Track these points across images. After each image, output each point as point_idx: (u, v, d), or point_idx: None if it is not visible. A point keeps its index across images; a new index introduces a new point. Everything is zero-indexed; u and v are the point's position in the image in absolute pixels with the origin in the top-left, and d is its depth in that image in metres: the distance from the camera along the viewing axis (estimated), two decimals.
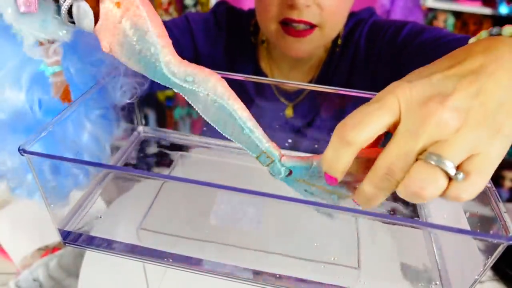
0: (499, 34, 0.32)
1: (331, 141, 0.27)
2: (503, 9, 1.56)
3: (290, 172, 0.34)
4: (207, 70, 0.32)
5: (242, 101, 0.33)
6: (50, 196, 0.38)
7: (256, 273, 0.38)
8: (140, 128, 0.56)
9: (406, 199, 0.26)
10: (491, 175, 0.26)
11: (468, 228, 0.36)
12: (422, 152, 0.25)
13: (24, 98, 0.37)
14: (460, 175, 0.25)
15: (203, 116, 0.33)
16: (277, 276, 0.37)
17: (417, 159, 0.25)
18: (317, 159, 0.32)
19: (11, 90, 0.37)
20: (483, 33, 0.34)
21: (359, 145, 0.27)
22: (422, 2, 1.59)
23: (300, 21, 0.58)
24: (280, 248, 0.40)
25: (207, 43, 0.74)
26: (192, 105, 0.33)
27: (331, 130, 0.29)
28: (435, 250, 0.40)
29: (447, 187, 0.25)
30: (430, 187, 0.25)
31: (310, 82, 0.72)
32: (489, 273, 0.64)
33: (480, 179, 0.25)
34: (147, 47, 0.31)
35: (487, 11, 1.58)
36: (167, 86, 0.32)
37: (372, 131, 0.26)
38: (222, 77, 0.41)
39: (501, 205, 0.31)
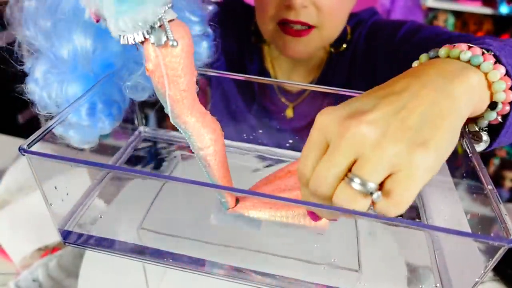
0: (437, 56, 0.34)
1: (300, 187, 0.31)
2: (503, 9, 1.56)
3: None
4: (205, 132, 0.35)
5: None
6: (82, 137, 0.41)
7: (256, 274, 0.38)
8: (141, 128, 0.56)
9: None
10: (419, 189, 0.26)
11: (469, 229, 0.36)
12: (349, 167, 0.27)
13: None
14: (376, 196, 0.26)
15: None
16: (277, 277, 0.37)
17: (343, 178, 0.27)
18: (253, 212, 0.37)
19: None
20: (423, 57, 0.36)
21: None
22: (422, 2, 1.59)
23: (297, 22, 0.58)
24: (280, 249, 0.40)
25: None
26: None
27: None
28: (435, 252, 0.40)
29: (374, 205, 0.27)
30: (351, 205, 0.27)
31: (311, 83, 0.72)
32: (489, 273, 0.64)
33: (403, 197, 0.26)
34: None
35: (487, 11, 1.58)
36: None
37: (311, 167, 0.29)
38: (222, 77, 0.42)
39: (501, 206, 0.30)
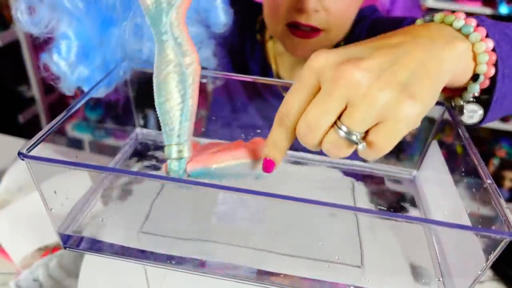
0: (432, 21, 0.36)
1: (274, 124, 0.31)
2: (503, 9, 1.56)
3: (188, 175, 0.36)
4: (195, 50, 0.34)
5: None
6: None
7: (259, 273, 0.38)
8: (140, 129, 0.56)
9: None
10: (399, 141, 0.28)
11: (469, 224, 0.36)
12: (339, 114, 0.28)
13: None
14: (361, 146, 0.28)
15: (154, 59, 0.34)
16: (281, 276, 0.37)
17: (333, 126, 0.28)
18: (216, 162, 0.35)
19: None
20: (419, 21, 0.38)
21: (293, 127, 0.30)
22: (422, 2, 1.60)
23: (307, 25, 0.59)
24: (283, 247, 0.40)
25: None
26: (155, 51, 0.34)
27: None
28: (436, 247, 0.40)
29: (356, 150, 0.29)
30: (338, 153, 0.29)
31: None
32: (489, 273, 0.64)
33: (384, 147, 0.28)
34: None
35: (487, 11, 1.58)
36: (150, 27, 0.34)
37: (299, 110, 0.29)
38: (223, 77, 0.42)
39: (502, 200, 0.31)
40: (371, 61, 0.27)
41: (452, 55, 0.30)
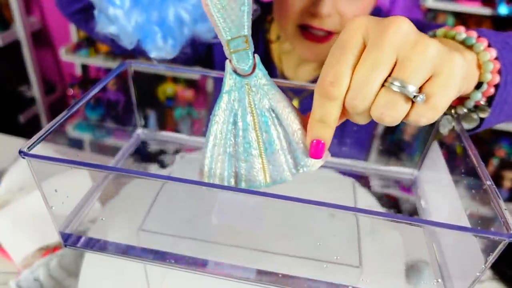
0: (434, 36, 0.36)
1: (315, 102, 0.29)
2: (503, 10, 1.56)
3: (253, 69, 0.34)
4: None
5: None
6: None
7: (258, 272, 0.38)
8: (140, 129, 0.56)
9: (375, 120, 0.28)
10: (455, 96, 0.27)
11: (468, 226, 0.36)
12: (391, 69, 0.26)
13: None
14: (420, 98, 0.26)
15: None
16: (279, 275, 0.37)
17: (382, 85, 0.27)
18: (277, 90, 0.34)
19: None
20: None
21: (343, 95, 0.28)
22: (422, 3, 1.60)
23: (320, 29, 0.59)
24: (282, 247, 0.40)
25: None
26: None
27: (335, 131, 0.29)
28: (435, 248, 0.41)
29: (409, 112, 0.27)
30: (391, 113, 0.27)
31: (317, 78, 0.73)
32: (488, 272, 0.64)
33: (442, 101, 0.26)
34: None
35: (486, 11, 1.58)
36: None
37: (348, 74, 0.27)
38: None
39: (501, 202, 0.31)
40: (406, 20, 0.27)
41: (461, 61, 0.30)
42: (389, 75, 0.26)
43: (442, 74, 0.26)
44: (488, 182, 0.33)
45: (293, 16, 0.60)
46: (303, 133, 0.34)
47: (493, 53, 0.34)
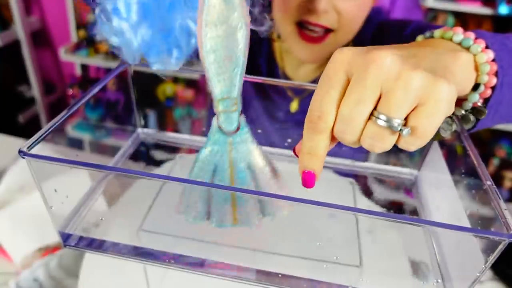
0: (432, 37, 0.37)
1: (304, 135, 0.30)
2: (503, 9, 1.56)
3: (238, 129, 0.36)
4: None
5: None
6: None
7: (258, 273, 0.38)
8: (140, 129, 0.56)
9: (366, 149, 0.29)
10: (440, 123, 0.27)
11: (468, 226, 0.36)
12: (375, 103, 0.27)
13: None
14: (405, 131, 0.27)
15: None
16: (279, 275, 0.37)
17: (370, 118, 0.27)
18: (256, 148, 0.37)
19: None
20: (419, 37, 0.39)
21: (330, 128, 0.29)
22: (422, 2, 1.60)
23: (316, 25, 0.59)
24: (282, 248, 0.40)
25: None
26: None
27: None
28: (435, 248, 0.41)
29: (397, 140, 0.28)
30: (380, 144, 0.28)
31: (317, 78, 0.73)
32: (489, 273, 0.64)
33: (428, 131, 0.27)
34: None
35: (487, 11, 1.58)
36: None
37: (333, 108, 0.28)
38: None
39: (501, 202, 0.31)
40: (395, 50, 0.27)
41: (458, 65, 0.30)
42: (376, 107, 0.27)
43: (427, 104, 0.26)
44: (488, 182, 0.33)
45: (290, 12, 0.60)
46: (272, 186, 0.38)
47: (490, 54, 0.34)
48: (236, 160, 0.37)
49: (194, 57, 0.44)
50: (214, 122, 0.36)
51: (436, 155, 0.46)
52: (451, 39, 0.35)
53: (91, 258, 0.56)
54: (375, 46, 0.28)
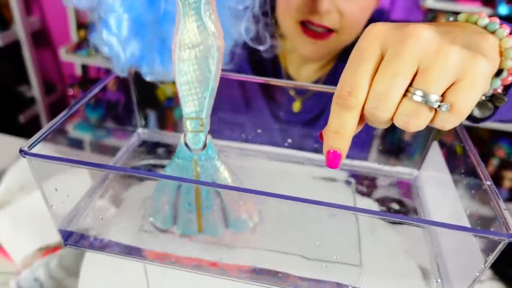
0: (456, 20, 0.36)
1: (332, 112, 0.28)
2: (503, 10, 1.56)
3: (204, 147, 0.37)
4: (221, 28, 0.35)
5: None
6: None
7: (258, 272, 0.38)
8: (140, 129, 0.56)
9: (399, 127, 0.28)
10: (477, 100, 0.26)
11: (468, 226, 0.36)
12: (411, 79, 0.26)
13: None
14: (444, 108, 0.26)
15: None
16: (279, 275, 0.37)
17: (405, 95, 0.26)
18: (222, 166, 0.38)
19: None
20: (443, 20, 0.37)
21: (361, 105, 0.27)
22: (422, 2, 1.60)
23: (319, 25, 0.59)
24: (282, 247, 0.40)
25: None
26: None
27: None
28: (435, 248, 0.41)
29: (433, 118, 0.27)
30: (416, 121, 0.27)
31: (320, 78, 0.73)
32: (488, 272, 0.64)
33: (466, 107, 0.26)
34: None
35: (486, 11, 1.58)
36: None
37: (366, 83, 0.27)
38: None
39: (501, 202, 0.31)
40: (432, 26, 0.26)
41: (488, 46, 0.30)
42: (410, 84, 0.26)
43: (465, 80, 0.26)
44: (488, 182, 0.33)
45: (293, 12, 0.60)
46: (237, 203, 0.39)
47: None
48: (200, 177, 0.38)
49: None
50: (182, 139, 0.38)
51: (436, 155, 0.46)
52: (475, 23, 0.34)
53: (91, 258, 0.56)
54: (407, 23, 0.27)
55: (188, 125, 0.36)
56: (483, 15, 0.34)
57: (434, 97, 0.26)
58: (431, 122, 0.27)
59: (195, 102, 0.35)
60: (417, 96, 0.26)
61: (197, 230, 0.41)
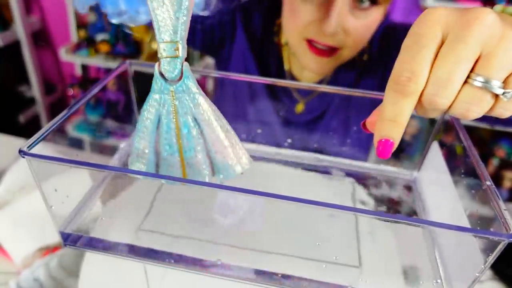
0: None
1: (387, 99, 0.28)
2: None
3: (180, 78, 0.34)
4: None
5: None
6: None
7: (257, 272, 0.38)
8: None
9: (454, 116, 0.27)
10: None
11: (468, 226, 0.36)
12: (473, 64, 0.25)
13: None
14: (509, 94, 0.25)
15: None
16: (278, 275, 0.37)
17: (465, 82, 0.26)
18: (202, 99, 0.34)
19: None
20: None
21: (420, 91, 0.27)
22: (422, 3, 1.60)
23: (324, 45, 0.59)
24: (281, 247, 0.40)
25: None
26: None
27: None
28: (435, 248, 0.41)
29: (493, 106, 0.26)
30: (476, 109, 0.26)
31: (323, 80, 0.73)
32: (488, 272, 0.64)
33: None
34: None
35: None
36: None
37: (426, 69, 0.26)
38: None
39: (501, 202, 0.31)
40: (492, 11, 0.26)
41: None
42: (471, 71, 0.26)
43: None
44: (488, 183, 0.33)
45: (299, 30, 0.60)
46: (222, 143, 0.35)
47: None
48: (179, 111, 0.35)
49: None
50: (156, 68, 0.34)
51: (436, 155, 0.46)
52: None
53: (91, 258, 0.56)
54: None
55: (162, 50, 0.33)
56: None
57: (497, 83, 0.25)
58: (490, 110, 0.27)
59: (168, 25, 0.33)
60: (479, 82, 0.25)
61: (181, 175, 0.37)
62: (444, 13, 0.26)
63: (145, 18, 0.40)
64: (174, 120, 0.35)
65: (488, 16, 0.25)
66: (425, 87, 0.27)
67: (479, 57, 0.26)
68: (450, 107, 0.27)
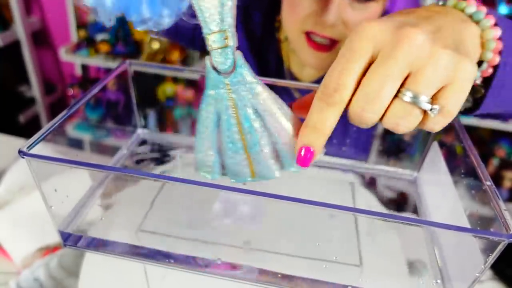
0: (444, 5, 0.35)
1: (313, 106, 0.28)
2: (503, 10, 1.56)
3: (233, 69, 0.32)
4: None
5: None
6: None
7: (258, 272, 0.38)
8: (140, 129, 0.56)
9: (386, 128, 0.28)
10: (463, 101, 0.27)
11: (468, 226, 0.36)
12: (403, 80, 0.26)
13: None
14: (435, 110, 0.27)
15: None
16: (279, 275, 0.37)
17: (396, 96, 0.27)
18: (260, 88, 0.32)
19: None
20: (432, 3, 0.37)
21: (345, 103, 0.28)
22: (422, 3, 1.60)
23: (323, 36, 0.59)
24: (282, 247, 0.40)
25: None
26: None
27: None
28: (435, 248, 0.41)
29: (422, 120, 0.27)
30: (406, 123, 0.27)
31: (322, 78, 0.73)
32: (488, 272, 0.64)
33: (454, 109, 0.27)
34: None
35: None
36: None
37: (352, 83, 0.27)
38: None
39: (501, 202, 0.31)
40: (424, 26, 0.27)
41: (469, 38, 0.30)
42: (401, 87, 0.27)
43: (455, 83, 0.26)
44: (488, 183, 0.33)
45: (299, 22, 0.60)
46: (289, 133, 0.32)
47: (497, 32, 0.33)
48: (238, 104, 0.33)
49: (186, 14, 0.40)
50: (208, 63, 0.32)
51: (436, 156, 0.46)
52: (463, 10, 0.34)
53: (91, 258, 0.56)
54: (399, 19, 0.28)
55: (212, 42, 0.31)
56: (471, 2, 0.34)
57: (425, 98, 0.26)
58: (420, 124, 0.28)
59: (213, 14, 0.31)
60: (408, 97, 0.26)
61: (249, 174, 0.35)
62: (378, 30, 0.27)
63: (168, 21, 0.40)
64: (234, 114, 0.33)
65: (418, 36, 0.26)
66: (353, 101, 0.27)
67: (409, 74, 0.26)
68: (381, 120, 0.28)
